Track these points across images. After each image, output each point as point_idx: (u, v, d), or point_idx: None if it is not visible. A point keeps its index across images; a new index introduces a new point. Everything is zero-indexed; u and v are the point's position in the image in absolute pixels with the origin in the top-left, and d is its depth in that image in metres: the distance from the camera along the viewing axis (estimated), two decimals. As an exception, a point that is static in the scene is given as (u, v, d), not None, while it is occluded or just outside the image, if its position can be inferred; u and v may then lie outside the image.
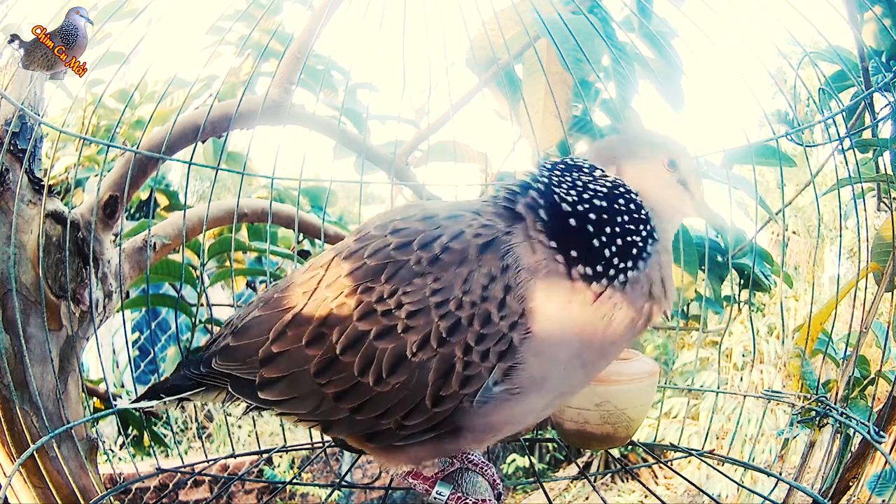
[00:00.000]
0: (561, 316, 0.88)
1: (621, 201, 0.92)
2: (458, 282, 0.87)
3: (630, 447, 1.69)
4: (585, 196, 0.91)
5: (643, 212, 0.94)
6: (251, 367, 0.96)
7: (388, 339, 0.88)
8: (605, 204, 0.91)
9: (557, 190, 0.93)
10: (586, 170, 0.96)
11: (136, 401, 1.11)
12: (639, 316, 0.93)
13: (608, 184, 0.94)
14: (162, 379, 1.19)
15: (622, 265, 0.89)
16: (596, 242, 0.89)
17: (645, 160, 0.98)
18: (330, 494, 1.62)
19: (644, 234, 0.92)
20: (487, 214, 0.95)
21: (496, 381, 0.87)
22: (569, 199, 0.91)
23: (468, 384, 0.86)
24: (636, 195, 0.94)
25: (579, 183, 0.93)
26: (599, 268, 0.88)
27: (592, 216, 0.90)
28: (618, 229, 0.90)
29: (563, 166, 0.97)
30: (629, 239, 0.91)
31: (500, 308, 0.85)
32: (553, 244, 0.89)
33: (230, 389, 1.00)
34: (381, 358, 0.87)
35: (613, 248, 0.89)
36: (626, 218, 0.91)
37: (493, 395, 0.87)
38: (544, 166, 0.98)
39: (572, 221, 0.89)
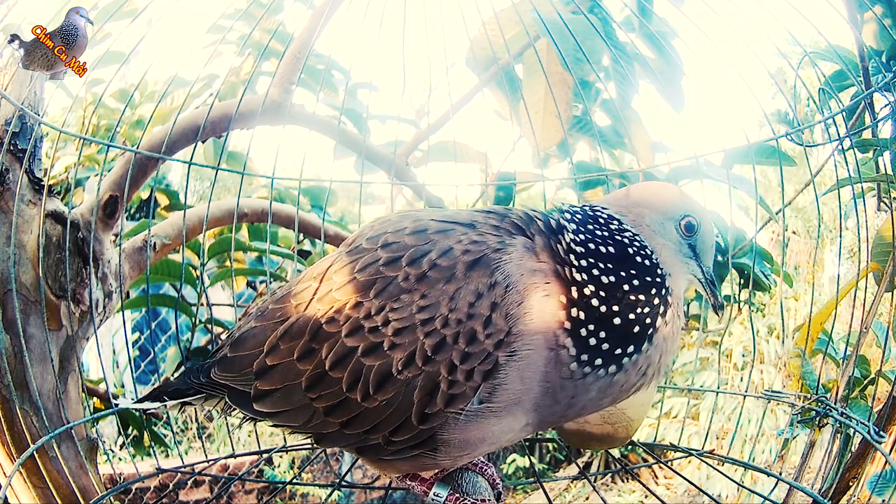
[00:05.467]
0: (544, 361, 0.86)
1: (638, 259, 0.90)
2: (444, 299, 0.86)
3: (630, 447, 1.69)
4: (594, 264, 0.88)
5: (659, 272, 0.91)
6: (247, 379, 0.97)
7: (374, 355, 0.88)
8: (612, 279, 0.88)
9: (568, 239, 0.91)
10: (600, 219, 0.93)
11: (139, 402, 1.11)
12: (622, 395, 0.92)
13: (625, 240, 0.91)
14: (163, 379, 1.19)
15: (619, 351, 0.87)
16: (588, 330, 0.86)
17: (666, 218, 0.95)
18: (330, 494, 1.62)
19: (657, 301, 0.89)
20: (483, 227, 0.93)
21: (481, 400, 0.87)
22: (576, 258, 0.89)
23: (453, 403, 0.86)
24: (652, 253, 0.92)
25: (592, 242, 0.90)
26: (585, 356, 0.86)
27: (594, 291, 0.87)
28: (619, 307, 0.87)
29: (580, 214, 0.95)
30: (632, 317, 0.87)
31: (486, 326, 0.85)
32: (573, 311, 0.87)
33: (227, 400, 1.01)
34: (368, 375, 0.88)
35: (610, 335, 0.86)
36: (634, 284, 0.88)
37: (473, 411, 0.87)
38: (561, 208, 0.97)
39: (574, 292, 0.87)
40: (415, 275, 0.88)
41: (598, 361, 0.87)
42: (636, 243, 0.92)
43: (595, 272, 0.88)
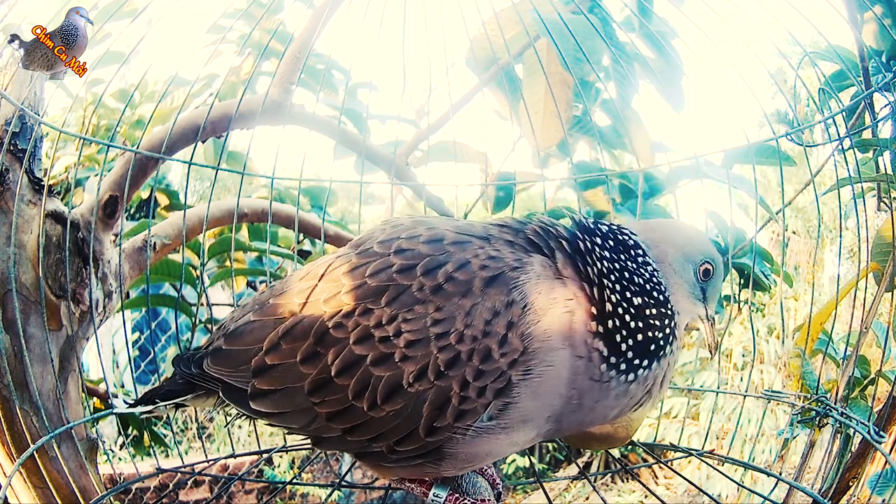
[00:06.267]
0: (571, 369, 0.87)
1: (655, 294, 0.93)
2: (460, 314, 0.85)
3: (630, 447, 1.69)
4: (626, 287, 0.91)
5: (670, 307, 0.94)
6: (243, 375, 0.95)
7: (384, 366, 0.86)
8: (640, 300, 0.91)
9: (600, 265, 0.92)
10: (632, 249, 0.95)
11: (132, 406, 1.10)
12: (627, 408, 0.94)
13: (647, 274, 0.94)
14: (163, 379, 1.19)
15: (637, 362, 0.90)
16: (622, 335, 0.89)
17: (687, 260, 0.98)
18: (330, 494, 1.62)
19: (668, 331, 0.93)
20: (498, 242, 0.93)
21: (491, 416, 0.86)
22: (609, 282, 0.91)
23: (463, 418, 0.85)
24: (665, 290, 0.95)
25: (626, 270, 0.92)
26: (613, 359, 0.88)
27: (626, 308, 0.90)
28: (643, 324, 0.90)
29: (612, 238, 0.96)
30: (651, 335, 0.91)
31: (501, 345, 0.84)
32: (589, 299, 0.89)
33: (221, 395, 0.99)
34: (377, 385, 0.86)
35: (635, 345, 0.89)
36: (654, 311, 0.92)
37: (482, 427, 0.86)
38: (591, 226, 0.97)
39: (608, 306, 0.89)
40: (430, 286, 0.87)
41: (623, 367, 0.89)
42: (654, 279, 0.95)
43: (627, 294, 0.91)
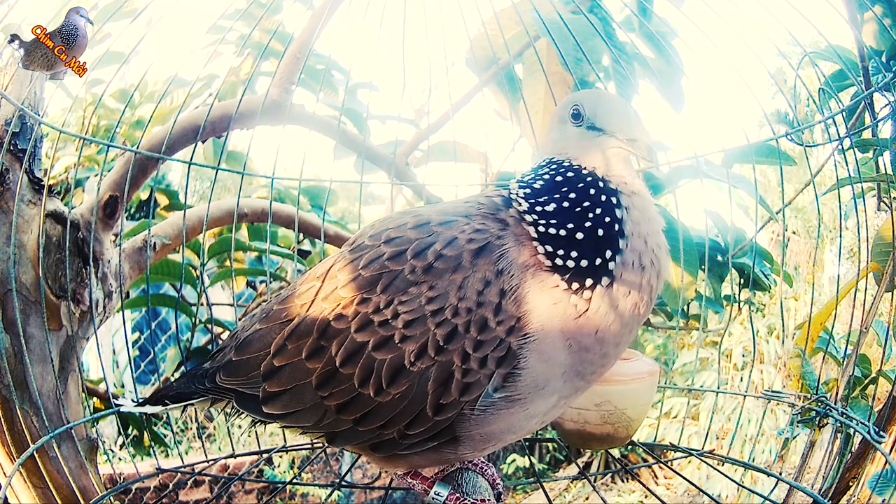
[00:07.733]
0: (557, 318, 0.87)
1: (559, 178, 0.93)
2: (452, 289, 0.87)
3: (630, 447, 1.69)
4: (537, 201, 0.92)
5: (584, 173, 0.92)
6: (254, 382, 0.97)
7: (385, 349, 0.88)
8: (553, 205, 0.91)
9: (521, 207, 0.93)
10: (536, 167, 0.97)
11: (140, 405, 1.11)
12: (642, 301, 0.91)
13: (550, 169, 0.94)
14: (163, 379, 1.19)
15: (599, 262, 0.87)
16: (564, 259, 0.87)
17: (560, 122, 0.98)
18: (330, 494, 1.62)
19: (602, 197, 0.90)
20: (478, 218, 0.94)
21: (496, 388, 0.87)
22: (531, 216, 0.92)
23: (468, 392, 0.86)
24: (569, 162, 0.94)
25: (527, 189, 0.94)
26: (576, 284, 0.86)
27: (548, 223, 0.89)
28: (574, 223, 0.89)
29: (529, 177, 0.97)
30: (590, 224, 0.88)
31: (497, 313, 0.85)
32: (540, 248, 0.89)
33: (235, 404, 1.01)
34: (380, 369, 0.88)
35: (584, 252, 0.87)
36: (573, 197, 0.90)
37: (492, 402, 0.87)
38: (522, 178, 0.99)
39: (541, 228, 0.90)
40: (421, 266, 0.89)
41: (589, 281, 0.87)
42: (552, 165, 0.95)
43: (538, 208, 0.91)
